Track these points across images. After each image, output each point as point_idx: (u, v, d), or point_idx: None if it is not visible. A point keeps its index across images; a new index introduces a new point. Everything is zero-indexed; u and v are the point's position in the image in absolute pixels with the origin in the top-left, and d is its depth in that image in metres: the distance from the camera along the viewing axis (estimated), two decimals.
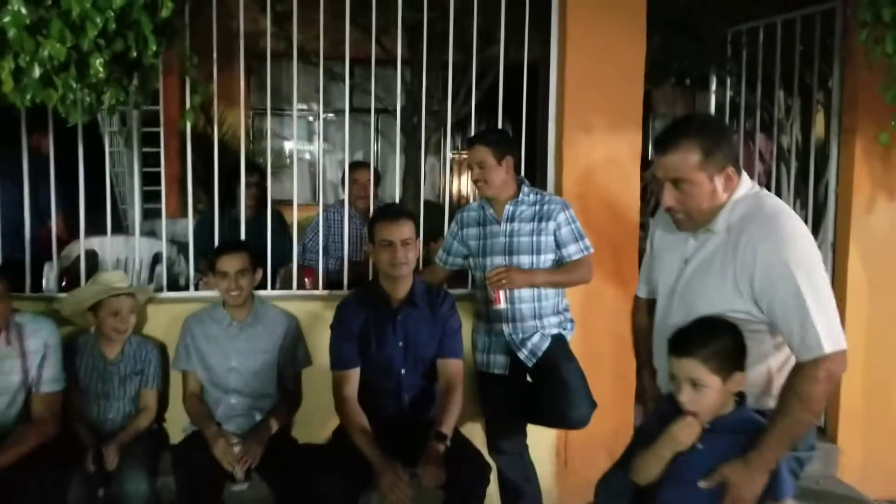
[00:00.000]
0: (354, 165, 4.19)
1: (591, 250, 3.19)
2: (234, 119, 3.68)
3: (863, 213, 3.88)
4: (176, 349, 3.24)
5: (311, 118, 7.68)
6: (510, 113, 3.77)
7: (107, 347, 3.12)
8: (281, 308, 3.34)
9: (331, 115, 6.81)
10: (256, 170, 4.28)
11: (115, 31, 2.41)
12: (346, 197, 3.83)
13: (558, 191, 3.61)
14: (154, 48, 2.48)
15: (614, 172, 3.60)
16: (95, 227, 3.63)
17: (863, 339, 3.92)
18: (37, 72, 2.16)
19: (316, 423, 3.28)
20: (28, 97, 2.19)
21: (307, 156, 7.90)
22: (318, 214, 4.11)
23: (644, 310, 2.46)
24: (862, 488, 3.86)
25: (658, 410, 2.21)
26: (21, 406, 2.92)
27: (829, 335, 1.93)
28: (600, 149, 3.59)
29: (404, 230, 2.91)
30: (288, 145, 7.35)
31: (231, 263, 3.09)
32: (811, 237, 2.04)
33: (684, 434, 1.97)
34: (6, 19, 1.93)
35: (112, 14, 2.30)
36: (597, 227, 3.45)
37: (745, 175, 2.13)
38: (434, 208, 3.75)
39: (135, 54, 2.52)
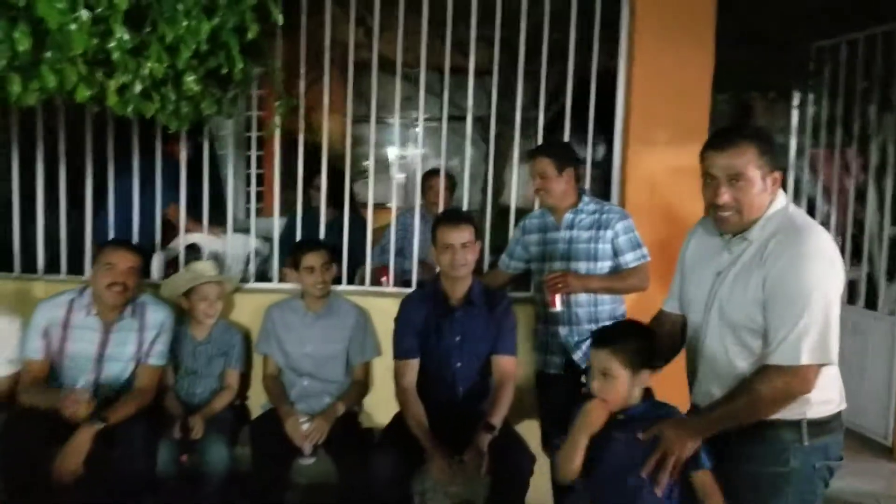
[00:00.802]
0: (429, 173, 4.44)
1: (648, 259, 3.31)
2: (332, 126, 3.96)
3: None
4: (258, 334, 3.58)
5: (404, 124, 8.00)
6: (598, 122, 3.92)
7: (196, 330, 3.48)
8: (353, 302, 3.62)
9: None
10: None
11: (207, 52, 2.74)
12: (416, 202, 4.09)
13: (622, 202, 3.75)
14: (240, 66, 2.79)
15: (678, 185, 3.66)
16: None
17: None
18: (138, 87, 2.51)
19: (381, 409, 3.53)
20: (130, 108, 2.54)
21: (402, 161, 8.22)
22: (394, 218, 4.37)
23: (666, 324, 2.52)
24: None
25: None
26: (130, 375, 3.30)
27: (813, 348, 2.01)
28: (665, 162, 3.69)
29: (464, 234, 3.12)
30: (386, 151, 7.70)
31: (316, 259, 3.42)
32: (835, 256, 2.09)
33: (595, 414, 2.18)
34: (112, 44, 2.27)
35: (204, 37, 2.62)
36: (659, 239, 3.55)
37: (780, 192, 2.23)
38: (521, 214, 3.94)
39: (225, 71, 2.84)
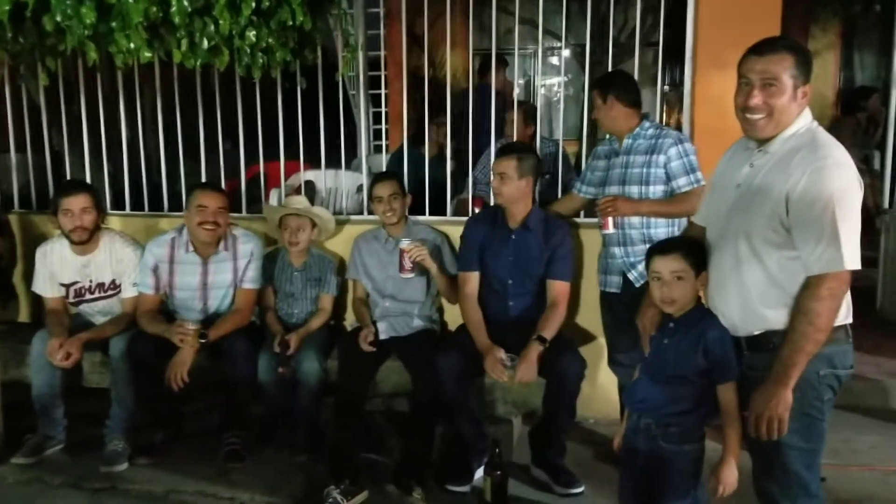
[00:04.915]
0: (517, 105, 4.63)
1: (702, 183, 3.31)
2: (457, 60, 4.19)
3: None
4: (348, 262, 3.96)
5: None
6: None
7: (294, 258, 3.88)
8: (431, 227, 3.90)
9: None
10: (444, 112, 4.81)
11: (273, 6, 3.06)
12: (492, 134, 4.31)
13: (691, 125, 3.77)
14: (301, 19, 3.10)
15: None
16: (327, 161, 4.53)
17: None
18: (206, 44, 2.88)
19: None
20: (198, 62, 2.92)
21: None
22: (488, 151, 4.58)
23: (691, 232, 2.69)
24: None
25: None
26: (231, 299, 3.79)
27: (851, 254, 2.10)
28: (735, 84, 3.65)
29: (507, 166, 3.38)
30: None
31: (383, 189, 3.70)
32: (855, 170, 2.15)
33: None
34: (173, 9, 2.64)
35: None
36: None
37: (806, 109, 2.27)
38: None
39: (291, 23, 3.16)
